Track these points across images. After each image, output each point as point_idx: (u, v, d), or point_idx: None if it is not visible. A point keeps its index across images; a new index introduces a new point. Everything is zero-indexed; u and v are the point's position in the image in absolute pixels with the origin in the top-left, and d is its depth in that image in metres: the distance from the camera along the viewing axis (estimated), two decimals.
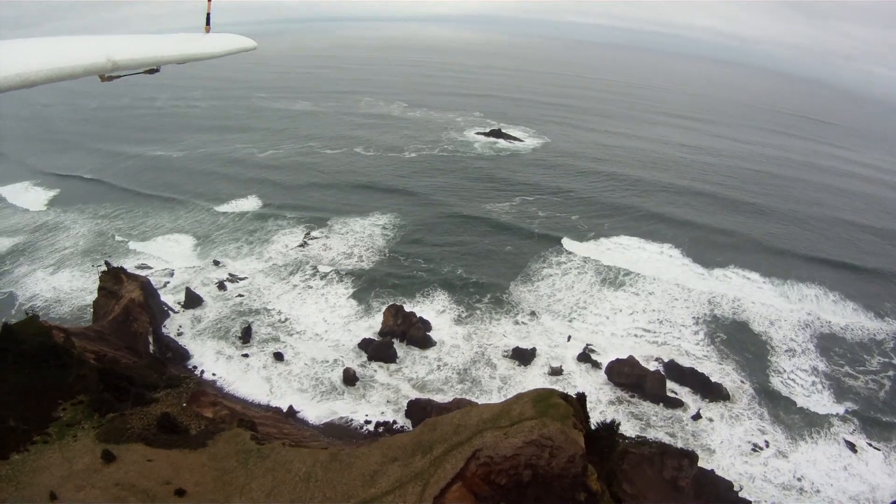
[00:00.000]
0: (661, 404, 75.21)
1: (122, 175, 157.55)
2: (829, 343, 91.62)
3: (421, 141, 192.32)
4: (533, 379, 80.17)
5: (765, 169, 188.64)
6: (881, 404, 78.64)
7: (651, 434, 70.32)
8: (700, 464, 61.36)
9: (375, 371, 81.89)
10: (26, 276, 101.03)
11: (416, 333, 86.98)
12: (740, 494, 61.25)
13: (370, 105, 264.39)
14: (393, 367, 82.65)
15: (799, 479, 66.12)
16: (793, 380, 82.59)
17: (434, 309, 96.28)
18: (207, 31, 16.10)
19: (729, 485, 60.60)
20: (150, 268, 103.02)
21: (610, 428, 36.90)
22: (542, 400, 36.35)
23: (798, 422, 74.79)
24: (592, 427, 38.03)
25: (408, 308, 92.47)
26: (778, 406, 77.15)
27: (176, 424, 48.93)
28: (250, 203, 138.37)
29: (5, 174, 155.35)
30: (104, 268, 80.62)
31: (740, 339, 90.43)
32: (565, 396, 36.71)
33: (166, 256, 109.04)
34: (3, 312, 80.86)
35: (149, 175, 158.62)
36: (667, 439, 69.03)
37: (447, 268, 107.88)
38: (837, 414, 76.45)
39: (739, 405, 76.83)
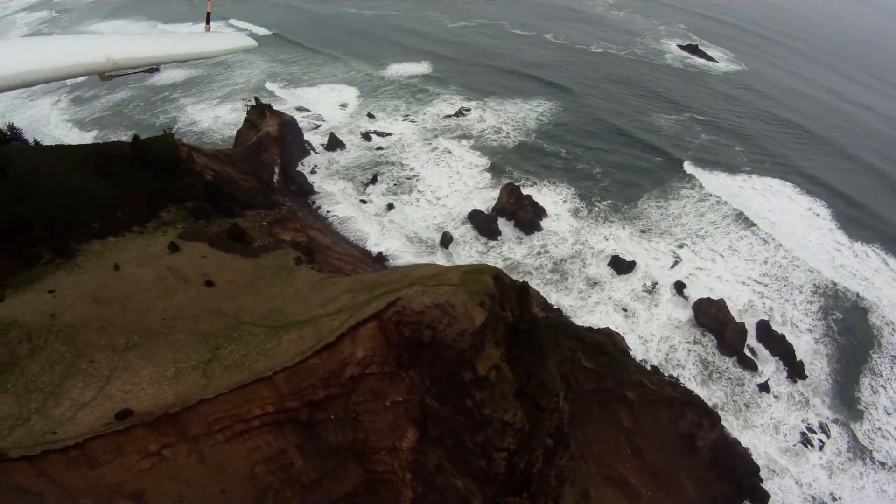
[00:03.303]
0: (735, 359, 69.41)
1: (307, 29, 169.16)
2: None
3: (613, 40, 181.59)
4: (617, 290, 78.47)
5: None
6: None
7: (708, 387, 66.03)
8: (735, 434, 57.85)
9: (474, 241, 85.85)
10: (193, 105, 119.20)
11: (525, 216, 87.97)
12: (763, 484, 55.59)
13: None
14: (492, 242, 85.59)
15: (834, 501, 58.10)
16: (885, 388, 70.29)
17: (556, 198, 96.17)
18: (208, 30, 17.96)
19: (753, 468, 55.24)
20: (307, 110, 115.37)
21: (531, 323, 36.14)
22: (473, 272, 36.92)
23: (869, 437, 63.93)
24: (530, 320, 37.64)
25: (531, 192, 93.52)
26: (854, 411, 66.74)
27: (241, 235, 58.31)
28: (422, 69, 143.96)
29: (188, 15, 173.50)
30: (254, 103, 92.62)
31: (851, 325, 78.13)
32: (497, 277, 36.59)
33: (325, 102, 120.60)
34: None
35: (334, 33, 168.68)
36: (719, 397, 64.80)
37: (585, 165, 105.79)
38: None
39: (813, 391, 68.03)
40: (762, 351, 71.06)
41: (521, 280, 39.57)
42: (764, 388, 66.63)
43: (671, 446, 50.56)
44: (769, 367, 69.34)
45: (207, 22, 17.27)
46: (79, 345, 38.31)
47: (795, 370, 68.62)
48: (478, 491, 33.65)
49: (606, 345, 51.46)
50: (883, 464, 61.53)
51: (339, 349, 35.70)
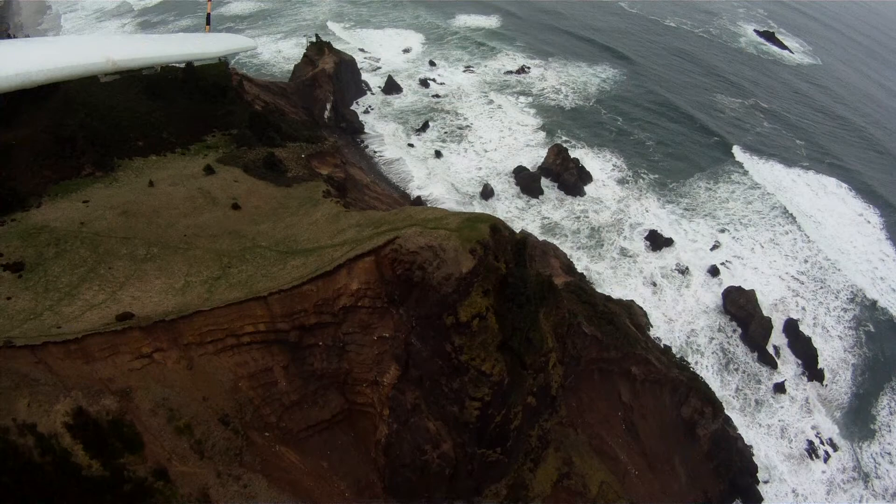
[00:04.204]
0: (755, 354, 67.32)
1: None
2: None
3: (689, 17, 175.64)
4: (649, 265, 77.10)
5: None
6: None
7: (723, 378, 64.39)
8: (740, 430, 55.74)
9: (515, 198, 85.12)
10: (257, 37, 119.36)
11: (569, 178, 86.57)
12: (758, 486, 53.80)
13: None
14: (533, 200, 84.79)
15: None
16: None
17: (604, 165, 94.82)
18: (208, 30, 18.05)
19: (752, 467, 53.50)
20: (369, 52, 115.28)
21: (521, 277, 35.07)
22: (472, 220, 36.28)
23: (875, 460, 60.81)
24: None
25: (579, 156, 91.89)
26: (866, 430, 63.69)
27: (276, 164, 59.33)
28: (490, 22, 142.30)
29: None
30: (314, 39, 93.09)
31: (882, 340, 74.53)
32: (495, 227, 35.72)
33: (389, 46, 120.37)
34: (228, 57, 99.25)
35: None
36: (731, 390, 63.29)
37: (639, 137, 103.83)
38: None
39: (830, 400, 65.38)
40: (785, 350, 69.22)
41: (520, 233, 38.44)
42: (780, 388, 64.75)
43: (669, 430, 49.40)
44: (789, 367, 67.55)
45: (207, 22, 16.99)
46: (101, 252, 40.56)
47: (815, 376, 66.68)
48: (448, 436, 34.01)
49: (618, 315, 50.11)
50: (882, 494, 58.79)
51: (335, 279, 36.31)
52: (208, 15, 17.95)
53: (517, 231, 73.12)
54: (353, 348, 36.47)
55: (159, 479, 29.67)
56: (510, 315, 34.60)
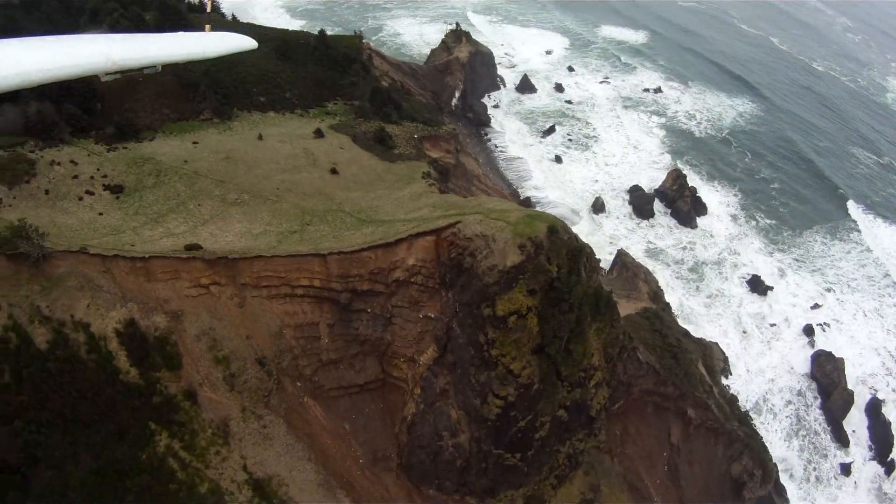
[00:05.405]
0: (830, 428, 61.46)
1: None
2: None
3: (838, 63, 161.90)
4: (744, 310, 72.64)
5: None
6: None
7: (789, 444, 59.10)
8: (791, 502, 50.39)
9: (625, 218, 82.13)
10: (403, 18, 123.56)
11: (682, 207, 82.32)
12: None
13: (811, 13, 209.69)
14: (644, 223, 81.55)
15: None
16: None
17: (721, 199, 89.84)
18: (208, 29, 18.73)
19: None
20: (509, 47, 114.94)
21: (567, 284, 32.63)
22: (534, 216, 34.74)
23: None
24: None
25: (698, 185, 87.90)
26: None
27: (385, 139, 60.59)
28: (635, 37, 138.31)
29: None
30: (453, 27, 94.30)
31: None
32: (553, 229, 33.68)
33: (531, 45, 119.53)
34: (370, 33, 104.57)
35: None
36: (793, 457, 58.27)
37: (765, 176, 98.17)
38: None
39: (892, 498, 57.76)
40: (862, 430, 62.77)
41: (580, 243, 35.95)
42: (846, 470, 58.58)
43: (714, 484, 45.16)
44: (861, 450, 61.00)
45: (207, 21, 16.91)
46: (196, 189, 43.50)
47: (886, 466, 59.34)
48: (467, 427, 32.92)
49: (686, 352, 45.84)
50: None
51: (395, 250, 36.36)
52: (208, 15, 18.50)
53: (619, 248, 70.63)
54: (398, 322, 36.33)
55: (187, 399, 31.43)
56: (552, 320, 32.66)
